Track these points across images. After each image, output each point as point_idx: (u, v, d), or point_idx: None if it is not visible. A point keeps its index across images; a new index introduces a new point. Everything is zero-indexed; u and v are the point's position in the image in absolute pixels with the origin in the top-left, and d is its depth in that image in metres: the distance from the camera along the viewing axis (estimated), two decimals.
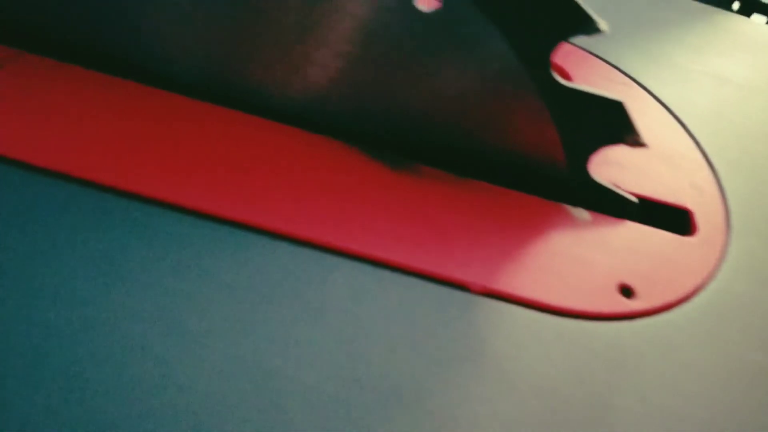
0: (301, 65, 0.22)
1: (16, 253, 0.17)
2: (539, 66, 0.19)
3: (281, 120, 0.23)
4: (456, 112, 0.22)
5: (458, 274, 0.19)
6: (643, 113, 0.28)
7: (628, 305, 0.20)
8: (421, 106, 0.22)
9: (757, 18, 0.42)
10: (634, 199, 0.23)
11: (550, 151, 0.22)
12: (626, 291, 0.20)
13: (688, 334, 0.20)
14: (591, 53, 0.31)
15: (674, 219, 0.24)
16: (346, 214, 0.20)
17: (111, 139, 0.21)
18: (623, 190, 0.23)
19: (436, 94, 0.21)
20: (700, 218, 0.24)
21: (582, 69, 0.30)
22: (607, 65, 0.30)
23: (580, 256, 0.21)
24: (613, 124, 0.20)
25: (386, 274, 0.19)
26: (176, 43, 0.22)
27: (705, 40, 0.34)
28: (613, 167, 0.25)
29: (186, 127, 0.22)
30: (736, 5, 0.42)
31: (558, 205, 0.22)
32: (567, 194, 0.23)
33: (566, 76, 0.29)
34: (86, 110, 0.21)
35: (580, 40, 0.31)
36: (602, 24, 0.18)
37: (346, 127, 0.23)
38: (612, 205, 0.23)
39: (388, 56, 0.21)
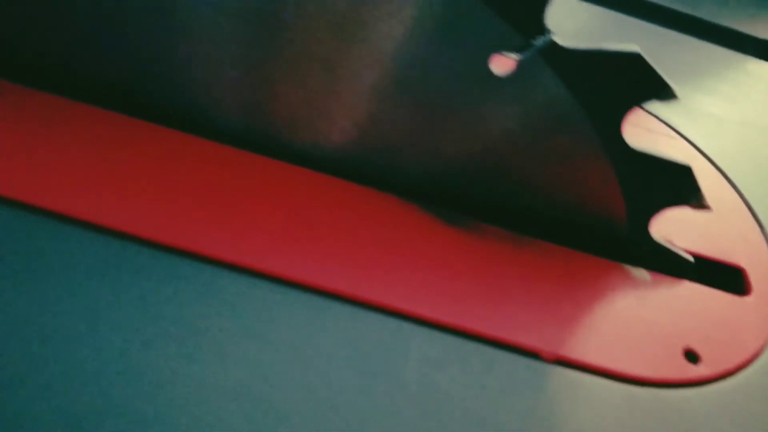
0: (335, 110, 0.21)
1: (61, 314, 0.17)
2: (611, 130, 0.19)
3: (319, 167, 0.23)
4: (512, 167, 0.22)
5: (528, 341, 0.19)
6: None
7: (694, 371, 0.20)
8: (470, 157, 0.21)
9: None
10: (689, 257, 0.22)
11: (611, 210, 0.22)
12: (691, 356, 0.20)
13: (755, 398, 0.20)
14: None
15: (728, 277, 0.23)
16: (410, 276, 0.20)
17: (140, 186, 0.20)
18: (677, 247, 0.23)
19: (488, 145, 0.21)
20: (753, 275, 0.23)
21: None
22: (646, 114, 0.30)
23: (644, 319, 0.21)
24: (680, 187, 0.20)
25: (459, 342, 0.19)
26: (202, 86, 0.21)
27: (737, 88, 0.34)
28: (661, 222, 0.24)
29: (223, 176, 0.21)
30: None
31: (617, 265, 0.22)
32: (624, 252, 0.22)
33: None
34: (127, 160, 0.21)
35: None
36: (677, 90, 0.18)
37: (396, 179, 0.23)
38: (669, 264, 0.22)
39: (434, 102, 0.20)
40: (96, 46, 0.21)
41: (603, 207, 0.22)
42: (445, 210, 0.22)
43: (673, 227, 0.24)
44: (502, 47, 0.18)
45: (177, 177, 0.21)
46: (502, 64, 0.19)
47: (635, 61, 0.18)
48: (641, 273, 0.22)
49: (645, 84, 0.18)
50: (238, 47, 0.20)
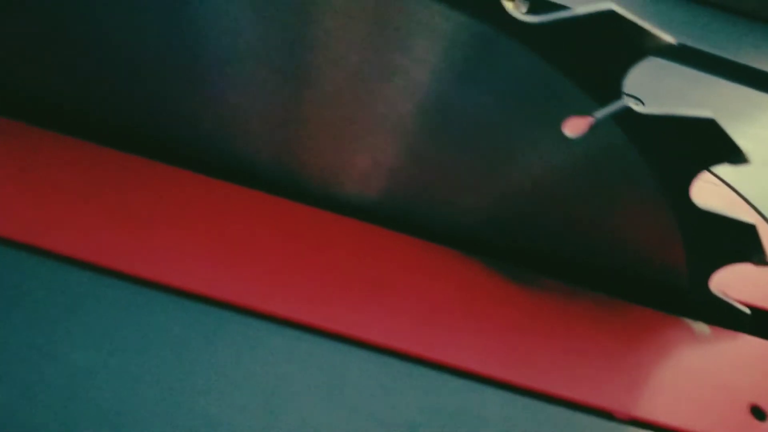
0: (374, 157, 0.21)
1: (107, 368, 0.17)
2: (679, 191, 0.19)
3: (359, 215, 0.23)
4: (568, 217, 0.22)
5: (601, 401, 0.19)
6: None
7: (761, 428, 0.20)
8: (524, 205, 0.22)
9: None
10: (746, 310, 0.23)
11: (670, 264, 0.22)
12: (758, 412, 0.20)
13: None
14: None
15: None
16: (473, 335, 0.20)
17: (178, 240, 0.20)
18: (733, 299, 0.23)
19: (544, 193, 0.21)
20: None
21: None
22: None
23: (708, 375, 0.21)
24: (744, 244, 0.20)
25: (532, 403, 0.19)
26: (227, 129, 0.22)
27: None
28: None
29: (257, 224, 0.21)
30: None
31: (676, 319, 0.22)
32: (681, 305, 0.23)
33: None
34: (162, 210, 0.21)
35: None
36: (749, 155, 0.18)
37: (442, 228, 0.23)
38: (726, 317, 0.23)
39: (481, 148, 0.21)
40: (121, 93, 0.21)
41: (662, 260, 0.22)
42: (495, 260, 0.22)
43: (727, 278, 0.24)
44: (563, 98, 0.19)
45: (204, 220, 0.21)
46: (575, 126, 0.19)
47: (710, 126, 0.18)
48: (701, 326, 0.22)
49: (718, 149, 0.18)
50: (266, 96, 0.20)
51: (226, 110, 0.21)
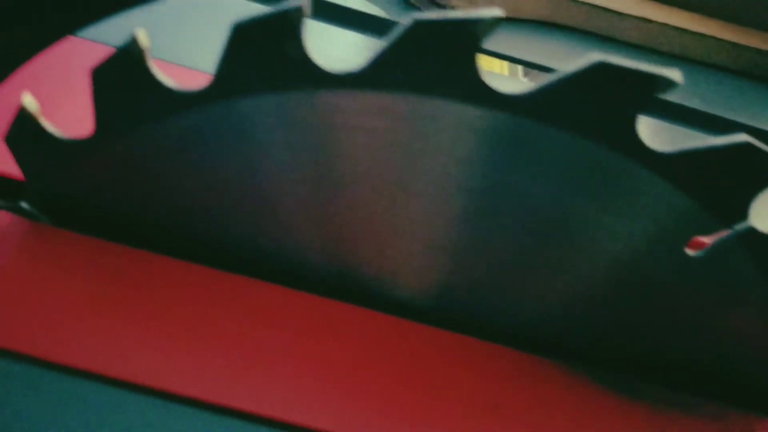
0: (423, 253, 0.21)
1: None
2: None
3: (414, 316, 0.22)
4: (667, 319, 0.22)
5: None
6: None
7: None
8: (597, 300, 0.22)
9: None
10: None
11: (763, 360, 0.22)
12: None
13: None
14: None
15: None
16: None
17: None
18: None
19: (644, 298, 0.21)
20: None
21: None
22: None
23: None
24: None
25: None
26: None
27: None
28: None
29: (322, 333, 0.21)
30: None
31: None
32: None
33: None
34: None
35: None
36: None
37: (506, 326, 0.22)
38: None
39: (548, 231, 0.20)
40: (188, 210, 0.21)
41: (758, 355, 0.22)
42: (563, 359, 0.22)
43: None
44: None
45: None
46: (697, 245, 0.19)
47: None
48: None
49: None
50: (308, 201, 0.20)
51: (278, 218, 0.21)
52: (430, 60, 0.16)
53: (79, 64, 0.21)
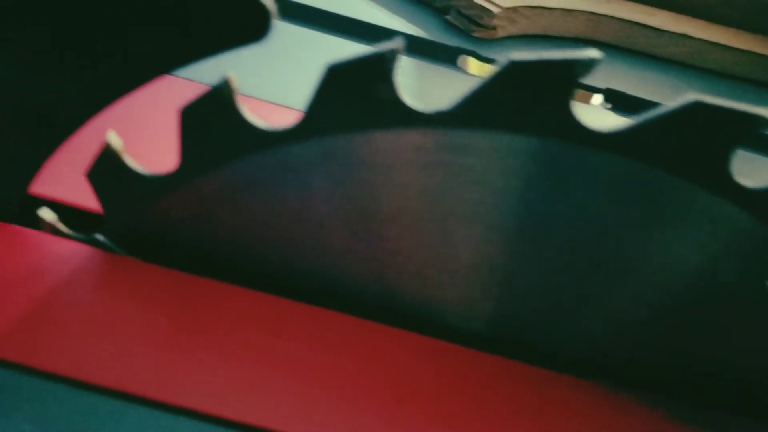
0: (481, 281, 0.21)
1: None
2: None
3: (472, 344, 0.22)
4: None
5: None
6: None
7: None
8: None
9: None
10: None
11: None
12: None
13: None
14: None
15: None
16: None
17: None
18: None
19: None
20: None
21: None
22: None
23: None
24: None
25: None
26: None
27: None
28: None
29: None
30: None
31: None
32: None
33: None
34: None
35: None
36: None
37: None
38: None
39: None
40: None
41: None
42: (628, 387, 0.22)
43: None
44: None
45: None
46: None
47: None
48: None
49: None
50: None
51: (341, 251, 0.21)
52: (524, 99, 0.16)
53: (167, 100, 0.21)
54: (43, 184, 0.22)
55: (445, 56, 0.41)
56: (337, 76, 0.17)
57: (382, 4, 0.44)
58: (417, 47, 0.41)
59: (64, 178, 0.22)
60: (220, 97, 0.18)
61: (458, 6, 0.42)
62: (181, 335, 0.20)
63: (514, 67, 0.16)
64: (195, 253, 0.22)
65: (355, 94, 0.17)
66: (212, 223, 0.21)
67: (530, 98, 0.16)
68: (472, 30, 0.41)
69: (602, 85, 0.40)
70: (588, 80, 0.41)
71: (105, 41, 0.17)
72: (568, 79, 0.16)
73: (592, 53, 0.15)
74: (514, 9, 0.41)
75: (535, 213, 0.19)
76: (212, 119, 0.18)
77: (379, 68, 0.16)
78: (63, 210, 0.23)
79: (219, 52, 0.17)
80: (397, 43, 0.16)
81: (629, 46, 0.45)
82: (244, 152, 0.19)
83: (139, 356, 0.19)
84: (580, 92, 0.41)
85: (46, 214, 0.22)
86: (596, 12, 0.45)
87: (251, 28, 0.16)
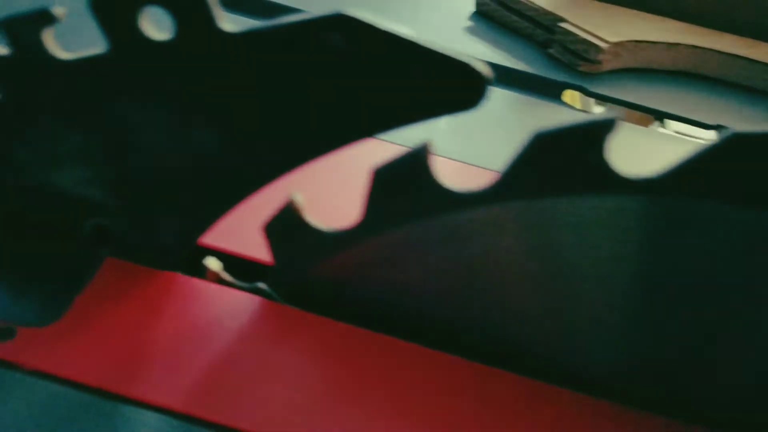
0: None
1: None
2: None
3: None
4: None
5: None
6: None
7: None
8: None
9: None
10: None
11: None
12: None
13: None
14: None
15: None
16: None
17: None
18: None
19: None
20: None
21: None
22: None
23: None
24: None
25: None
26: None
27: None
28: None
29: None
30: None
31: None
32: None
33: None
34: None
35: None
36: None
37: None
38: None
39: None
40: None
41: None
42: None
43: None
44: None
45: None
46: None
47: None
48: None
49: None
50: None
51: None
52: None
53: (352, 157, 0.21)
54: (207, 235, 0.23)
55: (548, 89, 0.40)
56: (544, 142, 0.17)
57: (482, 36, 0.44)
58: (520, 81, 0.40)
59: (226, 229, 0.23)
60: (415, 161, 0.18)
61: (564, 41, 0.41)
62: (340, 386, 0.20)
63: (736, 138, 0.16)
64: (354, 303, 0.22)
65: (561, 160, 0.17)
66: (376, 275, 0.21)
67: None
68: (577, 64, 0.41)
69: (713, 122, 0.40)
70: (699, 117, 0.40)
71: (318, 113, 0.17)
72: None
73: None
74: (620, 43, 0.41)
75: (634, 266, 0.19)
76: (404, 180, 0.18)
77: (593, 135, 0.16)
78: (224, 259, 0.23)
79: (432, 118, 0.17)
80: (618, 113, 0.16)
81: (732, 78, 0.45)
82: (428, 213, 0.19)
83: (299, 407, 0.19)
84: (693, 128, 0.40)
85: (213, 263, 0.22)
86: (699, 45, 0.44)
87: (466, 96, 0.16)
